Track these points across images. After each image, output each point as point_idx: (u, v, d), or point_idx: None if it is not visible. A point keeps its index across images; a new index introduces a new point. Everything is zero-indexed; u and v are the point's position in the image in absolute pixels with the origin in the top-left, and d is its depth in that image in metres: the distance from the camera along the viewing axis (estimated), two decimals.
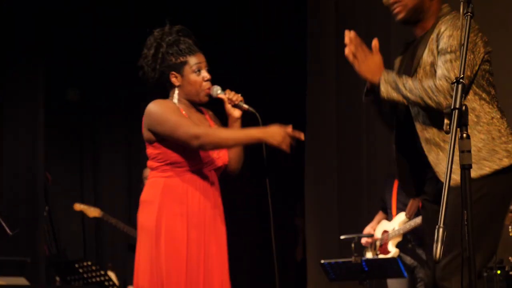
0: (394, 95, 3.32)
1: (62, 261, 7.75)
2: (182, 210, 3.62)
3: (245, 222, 8.03)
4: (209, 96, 3.76)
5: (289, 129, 3.56)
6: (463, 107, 2.45)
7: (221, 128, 3.78)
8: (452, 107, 2.45)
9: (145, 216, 3.65)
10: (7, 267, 7.12)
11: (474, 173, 3.01)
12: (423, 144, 3.37)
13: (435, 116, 3.29)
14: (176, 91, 3.73)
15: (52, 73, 8.32)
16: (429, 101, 3.24)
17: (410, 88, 3.27)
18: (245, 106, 3.81)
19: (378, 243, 6.12)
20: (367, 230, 6.24)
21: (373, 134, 7.31)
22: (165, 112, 3.62)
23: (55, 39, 8.37)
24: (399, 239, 6.03)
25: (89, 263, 6.39)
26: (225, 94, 3.78)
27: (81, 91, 8.78)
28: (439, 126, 3.29)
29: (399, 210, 6.10)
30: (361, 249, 6.18)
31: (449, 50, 3.27)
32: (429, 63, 3.36)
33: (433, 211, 3.37)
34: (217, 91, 3.76)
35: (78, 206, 7.46)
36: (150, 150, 3.71)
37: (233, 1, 8.64)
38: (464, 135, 2.45)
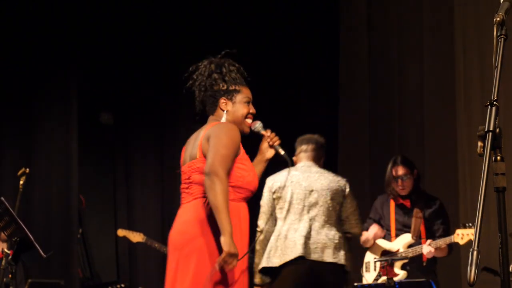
0: None
1: (95, 283, 7.78)
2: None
3: None
4: (250, 129, 3.92)
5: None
6: (497, 130, 2.40)
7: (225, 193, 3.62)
8: (485, 130, 2.40)
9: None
10: None
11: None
12: None
13: None
14: (225, 115, 3.86)
15: (85, 96, 8.39)
16: None
17: None
18: (281, 151, 3.95)
19: (379, 264, 5.91)
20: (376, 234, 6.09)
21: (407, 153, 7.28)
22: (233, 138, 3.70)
23: (87, 63, 8.45)
24: (405, 260, 5.89)
25: (123, 285, 6.40)
26: (266, 132, 3.95)
27: (114, 114, 8.83)
28: None
29: (398, 231, 5.99)
30: (358, 269, 6.03)
31: None
32: None
33: None
34: (259, 127, 3.94)
35: (121, 232, 7.46)
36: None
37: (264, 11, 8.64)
38: (498, 157, 2.41)
